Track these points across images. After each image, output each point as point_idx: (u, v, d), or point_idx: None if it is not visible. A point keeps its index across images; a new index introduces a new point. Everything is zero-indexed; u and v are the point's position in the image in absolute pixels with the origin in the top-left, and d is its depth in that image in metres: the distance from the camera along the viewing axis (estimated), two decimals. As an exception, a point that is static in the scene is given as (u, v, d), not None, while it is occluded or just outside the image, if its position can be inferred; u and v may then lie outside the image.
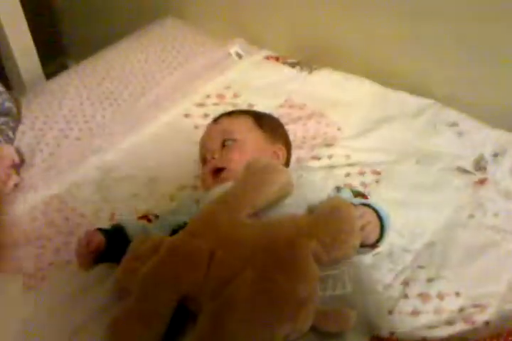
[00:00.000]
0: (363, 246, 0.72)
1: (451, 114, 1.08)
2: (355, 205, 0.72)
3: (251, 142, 0.88)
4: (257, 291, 0.62)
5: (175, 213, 0.86)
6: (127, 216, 0.88)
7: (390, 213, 0.86)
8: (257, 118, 0.93)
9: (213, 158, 0.86)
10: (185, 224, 0.81)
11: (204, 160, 0.90)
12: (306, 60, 1.19)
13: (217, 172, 0.85)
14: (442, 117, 1.08)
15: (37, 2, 1.44)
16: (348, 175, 1.00)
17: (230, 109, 1.08)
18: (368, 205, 0.78)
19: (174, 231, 0.81)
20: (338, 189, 0.85)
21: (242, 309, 0.61)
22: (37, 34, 1.33)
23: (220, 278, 0.64)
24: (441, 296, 0.83)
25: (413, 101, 1.11)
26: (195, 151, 1.02)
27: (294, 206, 0.77)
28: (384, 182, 0.99)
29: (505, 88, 1.05)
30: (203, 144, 0.91)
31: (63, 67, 1.73)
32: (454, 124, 1.07)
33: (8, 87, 1.21)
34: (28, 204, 0.91)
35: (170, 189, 0.96)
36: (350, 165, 1.01)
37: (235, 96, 1.12)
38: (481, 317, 0.79)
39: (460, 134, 1.06)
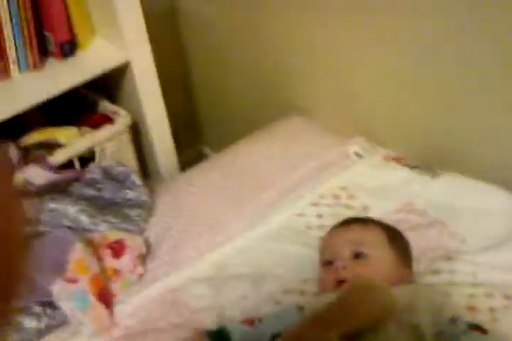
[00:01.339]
0: None
1: None
2: None
3: (383, 261, 0.87)
4: None
5: (276, 318, 0.86)
6: (232, 317, 0.90)
7: None
8: (390, 234, 0.92)
9: (344, 268, 0.85)
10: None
11: (327, 263, 0.90)
12: (428, 163, 1.15)
13: (341, 282, 0.84)
14: None
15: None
16: (472, 296, 0.91)
17: (343, 210, 1.08)
18: None
19: (273, 339, 0.80)
20: (453, 320, 0.77)
21: None
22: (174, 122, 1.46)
23: None
24: None
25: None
26: (305, 253, 1.03)
27: (393, 330, 0.72)
28: (514, 311, 0.88)
29: None
30: (330, 247, 0.91)
31: (201, 155, 1.91)
32: None
33: (144, 175, 1.36)
34: (147, 295, 0.97)
35: (276, 291, 0.96)
36: (475, 284, 0.92)
37: (350, 197, 1.11)
38: None
39: None
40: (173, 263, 1.02)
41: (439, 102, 1.11)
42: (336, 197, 1.12)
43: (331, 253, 0.90)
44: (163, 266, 1.02)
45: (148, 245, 1.05)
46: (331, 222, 1.06)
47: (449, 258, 0.97)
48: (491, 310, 0.89)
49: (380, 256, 0.88)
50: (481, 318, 0.87)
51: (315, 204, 1.11)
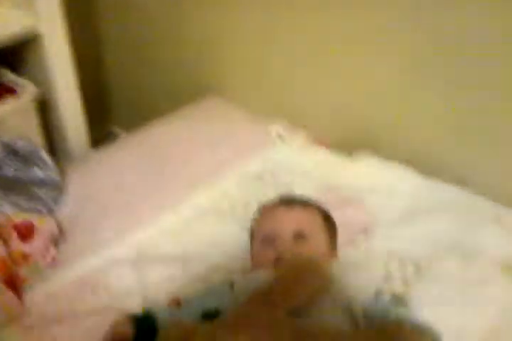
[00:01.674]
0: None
1: (495, 207, 1.06)
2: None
3: (319, 242, 0.89)
4: None
5: (206, 296, 0.84)
6: (158, 299, 0.87)
7: (429, 311, 0.83)
8: (324, 216, 0.95)
9: (284, 247, 0.85)
10: (216, 311, 0.80)
11: (266, 240, 0.89)
12: (346, 143, 1.20)
13: (280, 261, 0.84)
14: (485, 210, 1.06)
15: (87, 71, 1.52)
16: (386, 266, 0.96)
17: (268, 190, 1.09)
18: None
19: (204, 317, 0.79)
20: (377, 294, 0.82)
21: None
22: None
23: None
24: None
25: (455, 193, 1.09)
26: (230, 232, 1.02)
27: (328, 304, 0.75)
28: (425, 278, 0.95)
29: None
30: (272, 224, 0.91)
31: (110, 134, 1.82)
32: (497, 217, 1.04)
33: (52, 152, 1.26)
34: (62, 279, 0.90)
35: (203, 271, 0.94)
36: (389, 256, 0.99)
37: (274, 176, 1.13)
38: None
39: (503, 227, 1.03)
40: (89, 245, 0.96)
41: (362, 88, 1.16)
42: (260, 177, 1.12)
43: (273, 230, 0.89)
44: (78, 248, 0.95)
45: (60, 227, 0.97)
46: (256, 200, 1.07)
47: (365, 233, 1.03)
48: (403, 278, 0.95)
49: (317, 237, 0.90)
50: (396, 287, 0.93)
51: (238, 184, 1.10)
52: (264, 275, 0.80)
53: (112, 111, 1.85)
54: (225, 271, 0.94)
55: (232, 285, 0.86)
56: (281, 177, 1.13)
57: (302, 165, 1.16)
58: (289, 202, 0.96)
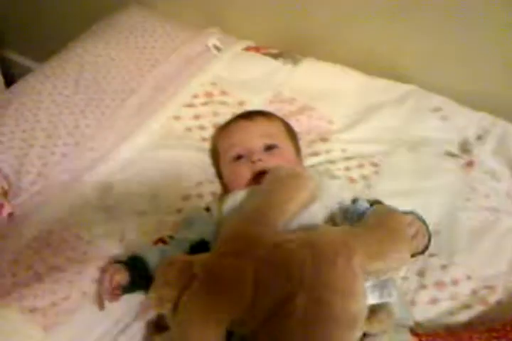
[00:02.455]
0: (413, 255, 0.73)
1: (434, 99, 1.11)
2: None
3: (289, 151, 0.88)
4: (311, 315, 0.61)
5: (187, 228, 0.83)
6: (139, 237, 0.84)
7: (396, 204, 0.89)
8: (287, 127, 0.93)
9: (260, 160, 0.83)
10: (203, 240, 0.79)
11: (238, 158, 0.87)
12: (287, 49, 1.15)
13: (259, 175, 0.82)
14: (426, 103, 1.11)
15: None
16: (347, 169, 1.01)
17: (220, 108, 1.04)
18: (408, 212, 0.79)
19: (193, 249, 0.79)
20: (354, 200, 0.85)
21: (297, 334, 0.61)
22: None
23: (270, 302, 0.63)
24: (455, 282, 0.87)
25: (397, 88, 1.12)
26: (191, 156, 0.99)
27: (317, 212, 0.77)
28: (383, 173, 1.01)
29: (482, 71, 1.08)
30: (240, 141, 0.88)
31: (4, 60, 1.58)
32: (437, 109, 1.10)
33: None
34: (26, 234, 0.83)
35: (174, 200, 0.92)
36: (347, 158, 1.02)
37: (224, 93, 1.07)
38: (493, 298, 0.85)
39: (444, 119, 1.10)
40: (45, 193, 0.88)
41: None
42: (209, 94, 1.06)
43: (242, 147, 0.86)
44: (35, 198, 0.87)
45: (8, 180, 0.87)
46: (210, 121, 1.03)
47: (322, 139, 1.05)
48: (364, 177, 1.00)
49: (286, 146, 0.89)
50: (358, 187, 0.99)
51: (189, 105, 1.04)
52: (244, 193, 0.80)
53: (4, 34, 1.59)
54: (196, 197, 0.92)
55: (208, 209, 0.85)
56: (231, 92, 1.07)
57: (249, 76, 1.10)
58: (249, 115, 0.93)
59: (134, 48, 1.10)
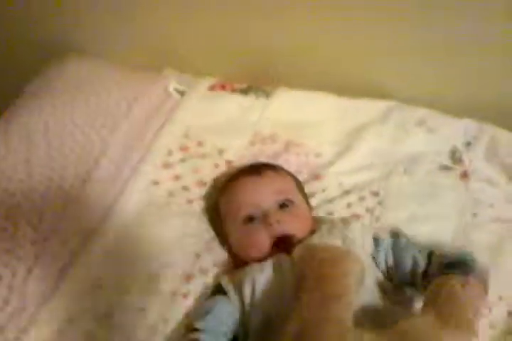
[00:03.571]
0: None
1: (417, 112, 1.06)
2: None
3: (303, 205, 0.80)
4: None
5: (210, 323, 0.70)
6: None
7: (408, 232, 0.85)
8: (294, 178, 0.86)
9: (278, 222, 0.74)
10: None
11: (250, 219, 0.77)
12: (253, 82, 1.06)
13: (281, 239, 0.74)
14: (409, 117, 1.06)
15: None
16: (349, 205, 0.94)
17: (200, 162, 0.94)
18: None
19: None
20: (376, 240, 0.79)
21: None
22: None
23: None
24: (488, 308, 0.84)
25: (376, 106, 1.07)
26: (179, 224, 0.88)
27: (368, 284, 0.70)
28: (386, 202, 0.96)
29: (462, 78, 1.05)
30: (251, 200, 0.77)
31: None
32: (421, 122, 1.06)
33: None
34: None
35: (176, 284, 0.80)
36: (346, 193, 0.96)
37: (200, 144, 0.96)
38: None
39: (430, 131, 1.05)
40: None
41: (254, 15, 0.99)
42: (184, 148, 0.95)
43: (254, 207, 0.76)
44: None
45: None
46: (193, 179, 0.93)
47: (315, 177, 0.97)
48: (368, 210, 0.94)
49: (299, 201, 0.81)
50: (365, 221, 0.92)
51: (166, 166, 0.92)
52: (270, 268, 0.71)
53: None
54: (200, 277, 0.80)
55: (222, 292, 0.74)
56: (206, 141, 0.97)
57: (221, 119, 1.00)
58: (255, 169, 0.83)
59: (85, 108, 0.97)
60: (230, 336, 0.70)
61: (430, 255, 0.75)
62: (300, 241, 0.75)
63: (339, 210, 0.93)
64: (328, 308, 0.58)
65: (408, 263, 0.74)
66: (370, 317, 0.65)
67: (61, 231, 0.81)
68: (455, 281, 0.66)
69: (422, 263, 0.74)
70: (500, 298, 0.84)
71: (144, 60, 1.09)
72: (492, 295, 0.82)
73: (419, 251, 0.76)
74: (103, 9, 1.05)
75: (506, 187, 1.00)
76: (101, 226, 0.84)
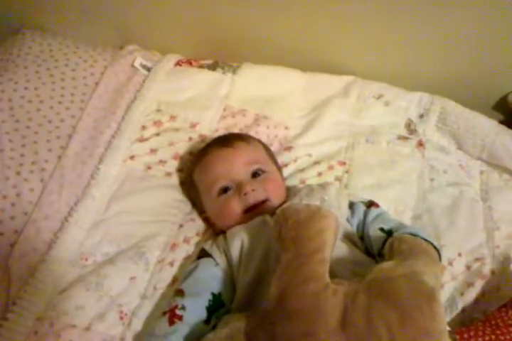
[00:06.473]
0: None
1: (375, 86, 1.12)
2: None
3: (276, 174, 0.82)
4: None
5: (194, 286, 0.71)
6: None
7: (374, 197, 0.90)
8: (265, 147, 0.87)
9: (252, 190, 0.76)
10: (220, 301, 0.70)
11: (224, 191, 0.78)
12: (218, 58, 1.07)
13: (254, 207, 0.76)
14: (368, 91, 1.12)
15: None
16: (320, 174, 0.99)
17: (174, 136, 0.94)
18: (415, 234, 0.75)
19: (211, 313, 0.69)
20: (351, 205, 0.83)
21: None
22: None
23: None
24: (450, 262, 0.91)
25: (338, 81, 1.12)
26: (161, 197, 0.88)
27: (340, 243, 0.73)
28: (353, 170, 1.01)
29: (411, 53, 1.11)
30: (224, 172, 0.78)
31: None
32: (380, 96, 1.12)
33: None
34: None
35: (161, 254, 0.81)
36: (316, 163, 1.00)
37: (173, 118, 0.96)
38: (486, 268, 0.90)
39: (387, 104, 1.12)
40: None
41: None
42: (157, 122, 0.95)
43: (228, 178, 0.78)
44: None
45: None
46: (170, 153, 0.92)
47: (286, 148, 1.00)
48: (338, 178, 0.99)
49: (271, 169, 0.83)
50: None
51: (141, 140, 0.92)
52: (245, 230, 0.73)
53: None
54: (184, 245, 0.82)
55: (208, 255, 0.76)
56: (179, 115, 0.96)
57: (191, 94, 1.00)
58: (227, 141, 0.84)
59: (50, 84, 0.93)
60: (216, 292, 0.71)
61: (390, 233, 0.76)
62: (277, 206, 0.76)
63: (310, 178, 0.97)
64: (303, 268, 0.59)
65: (369, 238, 0.77)
66: (347, 268, 0.69)
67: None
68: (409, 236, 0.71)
69: (378, 241, 0.75)
70: (460, 255, 0.92)
71: (103, 39, 1.05)
72: (452, 252, 0.91)
73: (381, 229, 0.77)
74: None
75: (456, 153, 1.08)
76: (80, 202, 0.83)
